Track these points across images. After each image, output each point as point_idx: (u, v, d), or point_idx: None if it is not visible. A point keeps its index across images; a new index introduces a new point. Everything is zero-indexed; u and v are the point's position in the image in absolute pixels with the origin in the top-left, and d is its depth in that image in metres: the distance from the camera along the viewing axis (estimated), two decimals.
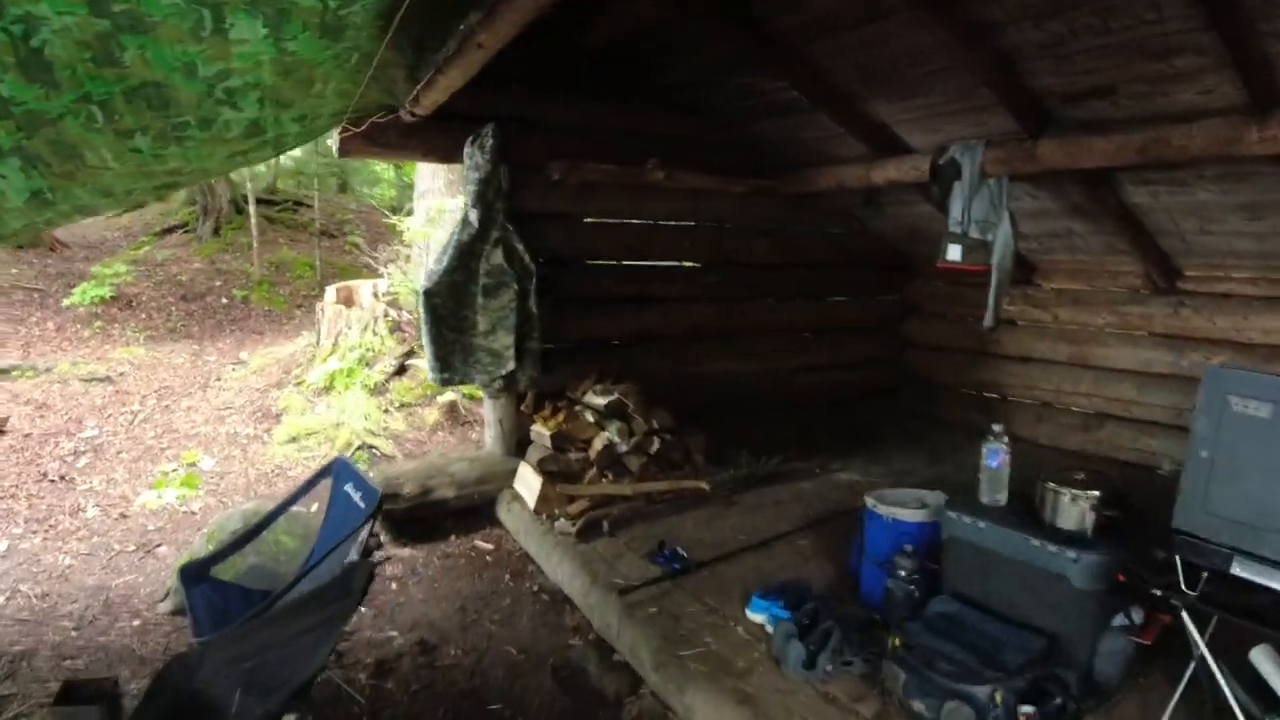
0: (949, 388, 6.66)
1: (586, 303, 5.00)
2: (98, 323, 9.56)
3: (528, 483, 4.41)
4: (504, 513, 4.57)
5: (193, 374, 7.92)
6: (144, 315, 10.27)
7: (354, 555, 2.87)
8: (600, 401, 4.44)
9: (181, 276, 11.37)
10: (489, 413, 4.84)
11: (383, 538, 4.62)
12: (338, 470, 3.39)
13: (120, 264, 11.09)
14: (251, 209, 10.95)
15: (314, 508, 3.91)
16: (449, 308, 4.23)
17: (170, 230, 13.24)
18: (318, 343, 7.26)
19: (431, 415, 6.33)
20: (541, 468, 4.29)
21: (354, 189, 16.52)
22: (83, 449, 6.07)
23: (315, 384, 6.58)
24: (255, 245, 11.12)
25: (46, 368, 7.63)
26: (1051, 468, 2.78)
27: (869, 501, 3.17)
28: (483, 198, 4.17)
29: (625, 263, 5.20)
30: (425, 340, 4.23)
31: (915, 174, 4.59)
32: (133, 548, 4.70)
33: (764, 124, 5.11)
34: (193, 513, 5.16)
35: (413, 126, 4.05)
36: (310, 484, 3.43)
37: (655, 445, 4.46)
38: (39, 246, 12.48)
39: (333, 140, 4.09)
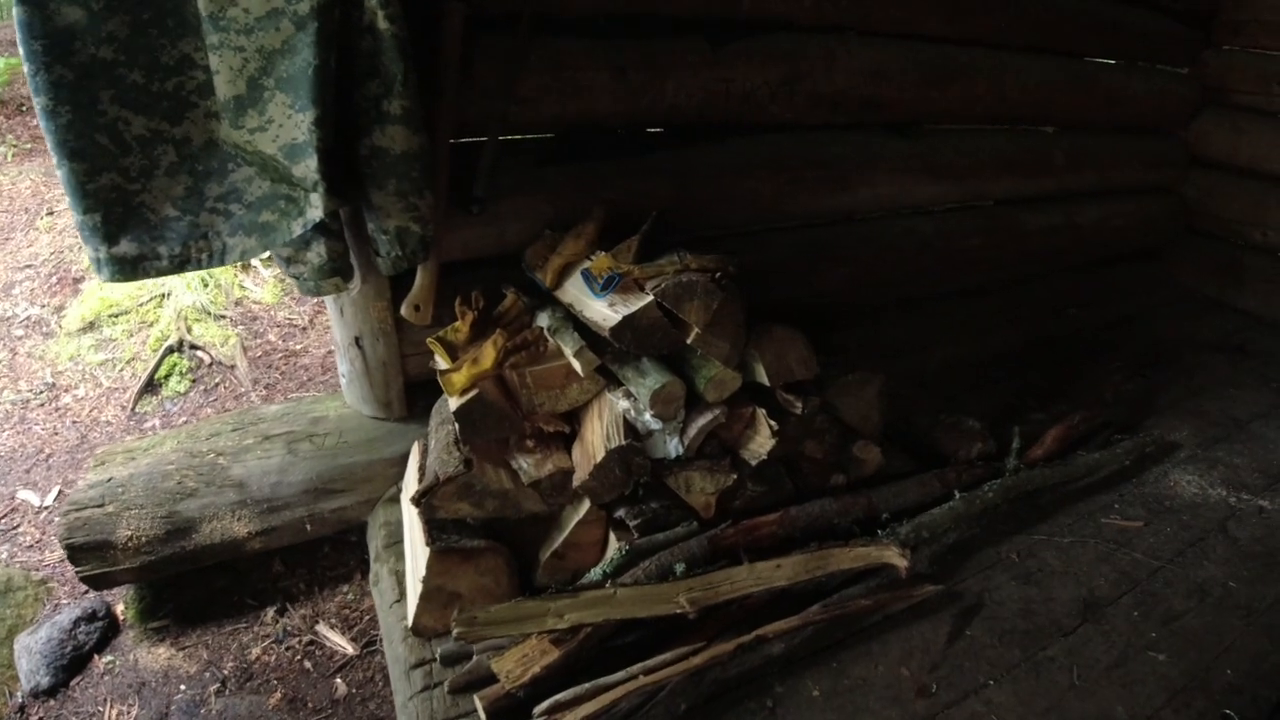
0: (1270, 252, 3.41)
1: (575, 25, 1.73)
2: None
3: (413, 531, 1.59)
4: (374, 575, 1.80)
5: (28, 205, 5.12)
6: (34, 122, 7.44)
7: None
8: (605, 310, 1.47)
9: None
10: (335, 324, 1.81)
11: (120, 613, 1.93)
12: None
13: (14, 58, 8.13)
14: None
15: None
16: (116, 34, 1.19)
17: None
18: None
19: None
20: (430, 512, 1.45)
21: None
22: None
23: None
24: None
25: None
26: None
27: None
28: None
29: None
30: (50, 142, 1.28)
31: None
32: None
33: None
34: None
35: None
36: None
37: (764, 439, 1.51)
38: None
39: None
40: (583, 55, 1.74)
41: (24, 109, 8.00)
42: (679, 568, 1.36)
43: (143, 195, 1.35)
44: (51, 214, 4.88)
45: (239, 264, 3.25)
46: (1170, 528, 1.83)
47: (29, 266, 4.05)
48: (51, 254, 4.03)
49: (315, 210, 1.31)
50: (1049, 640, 1.46)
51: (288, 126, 1.29)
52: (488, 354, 1.45)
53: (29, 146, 6.99)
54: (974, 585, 1.57)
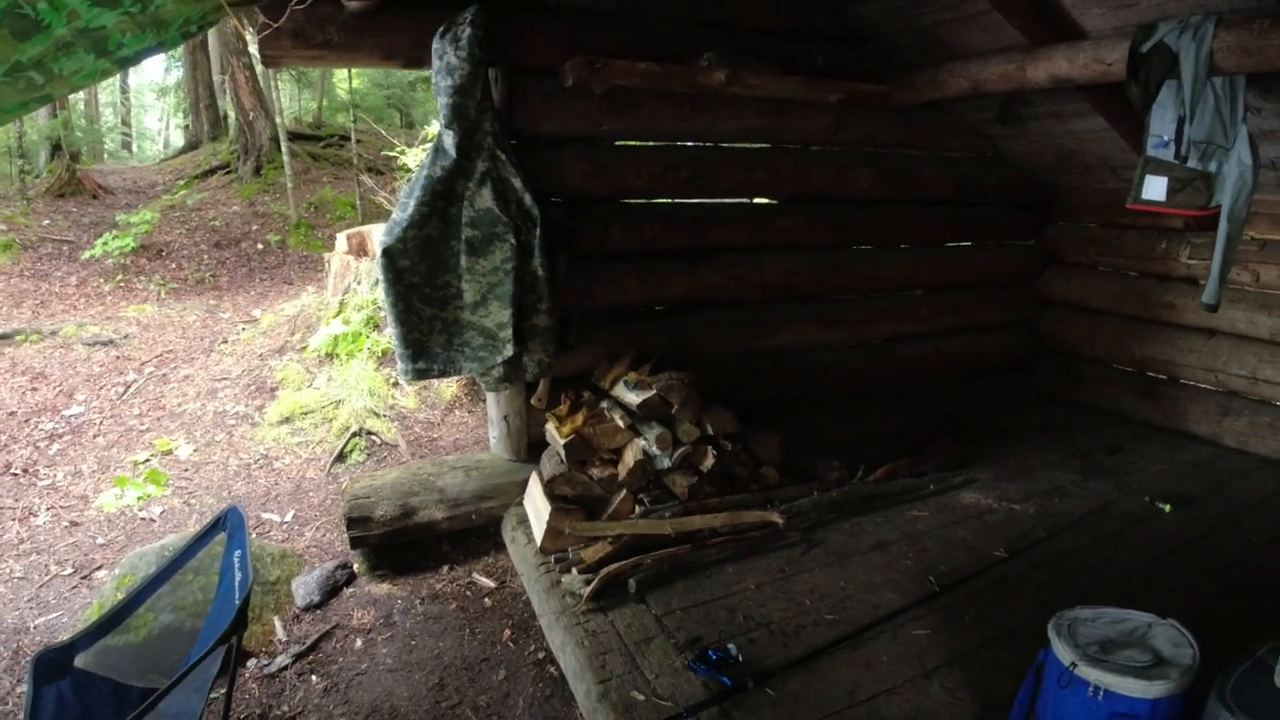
0: (1099, 362, 5.12)
1: (619, 258, 3.69)
2: (120, 276, 8.89)
3: (536, 507, 3.27)
4: (510, 538, 3.48)
5: (201, 335, 7.10)
6: (173, 265, 9.59)
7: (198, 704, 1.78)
8: (634, 398, 3.22)
9: (216, 221, 10.64)
10: (492, 407, 3.68)
11: (355, 567, 3.61)
12: (231, 526, 2.31)
13: (150, 211, 10.44)
14: (284, 145, 10.01)
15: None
16: (421, 272, 3.05)
17: (212, 171, 12.56)
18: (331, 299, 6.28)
19: (448, 390, 5.26)
20: (551, 491, 3.14)
21: (420, 122, 15.32)
22: (61, 430, 5.28)
23: (317, 351, 5.59)
24: (290, 185, 10.23)
25: (52, 330, 6.96)
26: None
27: (1060, 650, 1.87)
28: (461, 114, 2.92)
29: (674, 201, 3.85)
30: (390, 318, 3.08)
31: (1097, 69, 3.09)
32: (69, 570, 3.83)
33: (870, 1, 3.65)
34: (151, 520, 4.26)
35: (362, 17, 2.84)
36: (198, 543, 2.38)
37: (709, 459, 3.22)
38: (80, 194, 11.98)
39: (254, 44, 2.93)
40: (621, 271, 3.61)
41: (161, 254, 10.27)
42: (666, 515, 3.04)
43: (427, 342, 3.16)
44: (226, 342, 6.83)
45: (397, 381, 5.10)
46: (945, 516, 3.45)
47: (225, 379, 5.92)
48: (242, 372, 5.92)
49: (509, 351, 3.11)
50: (853, 557, 3.09)
51: (499, 316, 3.10)
52: (579, 419, 3.20)
53: (174, 286, 9.16)
54: (820, 537, 3.23)
